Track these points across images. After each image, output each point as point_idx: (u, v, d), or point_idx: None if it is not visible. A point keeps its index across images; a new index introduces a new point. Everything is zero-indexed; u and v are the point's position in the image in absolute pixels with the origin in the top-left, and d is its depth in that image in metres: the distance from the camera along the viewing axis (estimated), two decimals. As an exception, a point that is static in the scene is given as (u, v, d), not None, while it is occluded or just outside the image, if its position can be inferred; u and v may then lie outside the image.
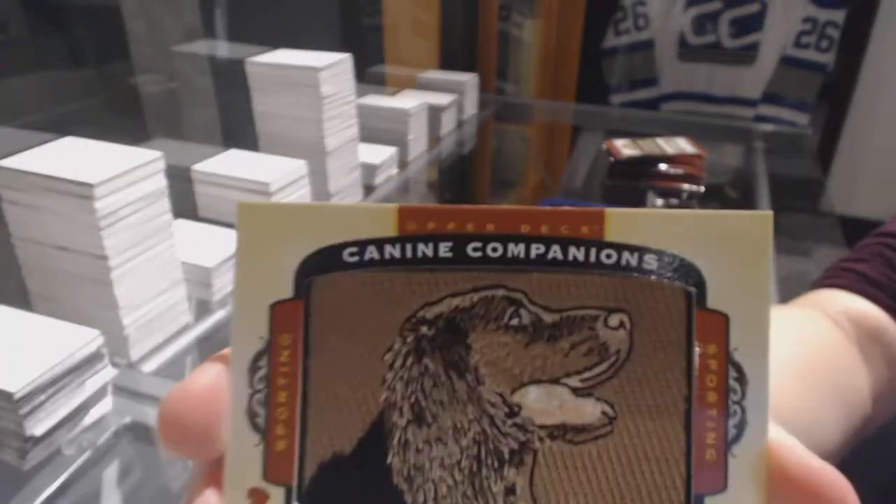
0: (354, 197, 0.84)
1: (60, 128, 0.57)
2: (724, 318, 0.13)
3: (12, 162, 0.51)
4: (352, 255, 0.13)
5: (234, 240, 0.12)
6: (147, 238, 0.53)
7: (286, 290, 0.13)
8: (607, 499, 0.13)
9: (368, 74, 1.18)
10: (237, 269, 0.13)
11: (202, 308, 0.61)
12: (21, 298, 0.56)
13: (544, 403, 0.13)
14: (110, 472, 0.47)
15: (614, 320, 0.13)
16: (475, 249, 0.13)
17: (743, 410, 0.13)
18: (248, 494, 0.13)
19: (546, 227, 0.13)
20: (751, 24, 1.64)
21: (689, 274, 0.13)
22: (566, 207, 0.13)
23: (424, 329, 0.13)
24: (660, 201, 0.92)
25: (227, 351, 0.13)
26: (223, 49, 0.88)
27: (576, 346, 0.13)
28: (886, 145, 1.74)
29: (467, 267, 0.13)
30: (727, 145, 1.26)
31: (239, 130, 0.85)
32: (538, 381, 0.13)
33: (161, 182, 0.53)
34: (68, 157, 0.52)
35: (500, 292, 0.13)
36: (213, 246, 0.63)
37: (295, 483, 0.13)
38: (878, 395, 0.37)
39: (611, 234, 0.13)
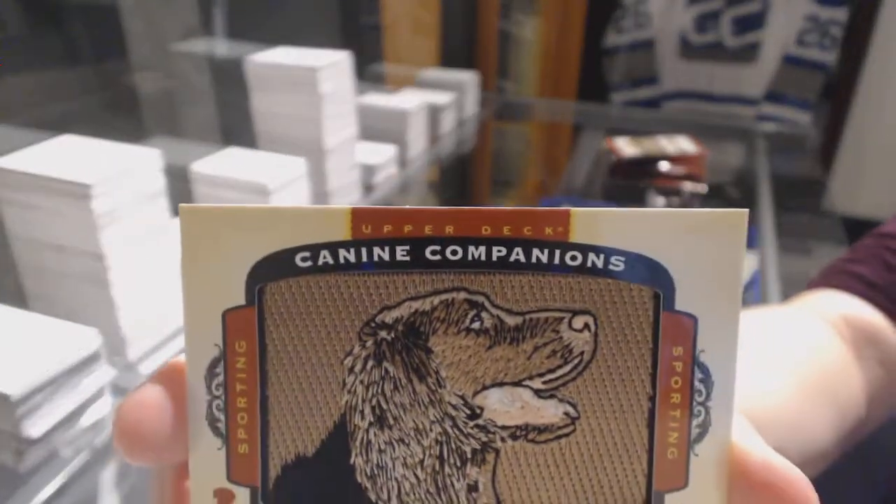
0: (354, 196, 0.84)
1: (57, 126, 0.57)
2: (692, 320, 0.12)
3: (9, 161, 0.51)
4: (304, 259, 0.12)
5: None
6: (145, 238, 0.53)
7: (238, 297, 0.12)
8: (569, 494, 0.13)
9: (368, 73, 1.18)
10: (183, 276, 0.12)
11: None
12: (18, 298, 0.55)
13: (506, 405, 0.13)
14: (108, 474, 0.46)
15: (579, 322, 0.13)
16: (433, 253, 0.12)
17: (707, 411, 0.13)
18: (215, 494, 0.13)
19: (508, 229, 0.12)
20: (752, 22, 1.64)
21: (658, 275, 0.12)
22: (529, 208, 0.13)
23: (384, 333, 0.13)
24: (661, 200, 0.92)
25: (181, 357, 0.13)
26: (222, 47, 0.87)
27: (539, 348, 0.13)
28: (889, 144, 1.74)
29: (427, 269, 0.12)
30: (729, 144, 1.26)
31: (237, 129, 0.85)
32: (500, 384, 0.13)
33: (159, 181, 0.53)
34: (65, 155, 0.52)
35: (461, 295, 0.13)
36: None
37: (259, 483, 0.13)
38: (872, 396, 0.37)
39: (576, 235, 0.12)
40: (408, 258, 0.12)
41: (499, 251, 0.12)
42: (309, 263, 0.12)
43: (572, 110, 1.57)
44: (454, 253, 0.12)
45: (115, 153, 0.52)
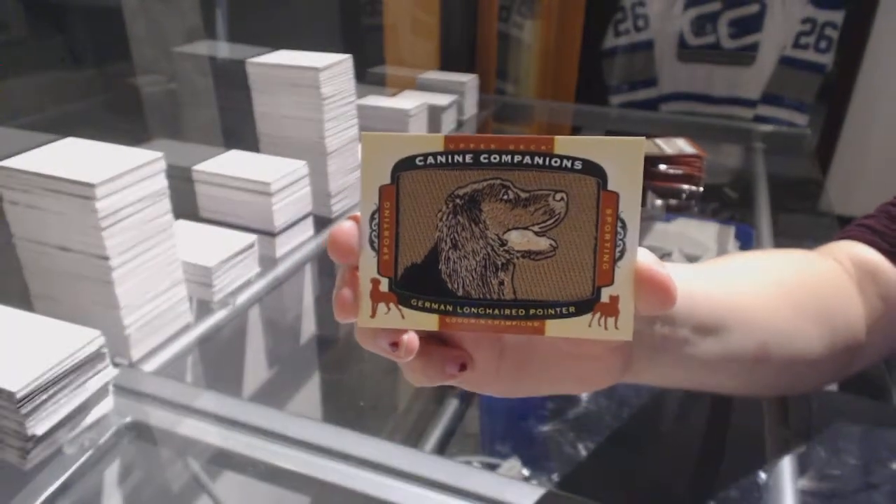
0: (354, 197, 0.84)
1: (62, 128, 0.57)
2: (616, 195, 0.22)
3: (14, 162, 0.51)
4: (420, 161, 0.22)
5: (360, 159, 0.22)
6: (148, 238, 0.53)
7: (387, 179, 0.23)
8: (552, 287, 0.23)
9: (369, 75, 1.18)
10: (363, 169, 0.23)
11: (203, 308, 0.61)
12: (22, 298, 0.56)
13: (520, 239, 0.23)
14: (111, 472, 0.47)
15: (558, 196, 0.22)
16: (485, 158, 0.22)
17: (624, 243, 0.22)
18: (371, 281, 0.23)
19: (522, 146, 0.22)
20: (750, 24, 1.64)
21: (598, 171, 0.22)
22: (533, 135, 0.22)
23: (458, 200, 0.23)
24: (659, 202, 0.92)
25: (357, 213, 0.23)
26: (224, 50, 0.88)
27: (538, 209, 0.23)
28: (885, 145, 1.75)
29: (481, 167, 0.22)
30: (726, 146, 1.26)
31: (239, 131, 0.85)
32: (517, 228, 0.23)
33: (162, 182, 0.53)
34: (70, 157, 0.52)
35: (498, 181, 0.22)
36: (214, 246, 0.63)
37: (393, 275, 0.23)
38: (872, 325, 0.42)
39: (558, 149, 0.22)
40: (471, 161, 0.22)
41: (518, 157, 0.22)
42: (422, 163, 0.22)
43: (571, 112, 1.57)
44: (495, 158, 0.22)
45: (119, 155, 0.52)
